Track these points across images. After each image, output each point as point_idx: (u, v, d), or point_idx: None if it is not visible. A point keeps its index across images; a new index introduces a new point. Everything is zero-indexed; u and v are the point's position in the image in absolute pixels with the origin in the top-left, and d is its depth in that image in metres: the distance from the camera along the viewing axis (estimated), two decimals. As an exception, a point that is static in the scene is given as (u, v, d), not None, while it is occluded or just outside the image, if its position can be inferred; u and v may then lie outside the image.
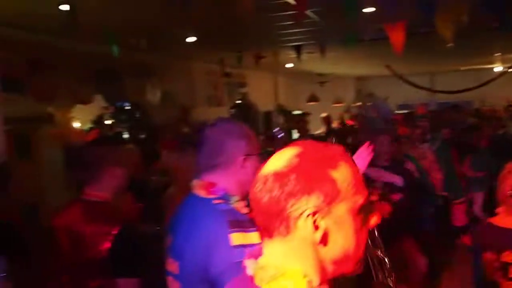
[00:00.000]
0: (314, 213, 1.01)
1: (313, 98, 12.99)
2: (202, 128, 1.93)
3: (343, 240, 1.04)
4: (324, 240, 1.02)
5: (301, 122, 9.64)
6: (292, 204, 1.00)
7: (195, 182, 1.84)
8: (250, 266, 1.08)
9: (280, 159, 1.05)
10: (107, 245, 2.19)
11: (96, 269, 2.24)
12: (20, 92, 5.60)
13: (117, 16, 5.19)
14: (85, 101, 6.91)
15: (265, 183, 1.03)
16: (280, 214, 1.01)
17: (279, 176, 1.02)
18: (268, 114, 11.99)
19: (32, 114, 6.25)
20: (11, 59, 5.08)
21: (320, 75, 12.85)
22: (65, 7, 4.39)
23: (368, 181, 1.87)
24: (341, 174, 1.03)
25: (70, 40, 5.91)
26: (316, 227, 1.01)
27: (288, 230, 1.01)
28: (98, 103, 7.88)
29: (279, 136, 8.26)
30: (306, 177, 1.01)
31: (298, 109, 12.45)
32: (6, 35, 4.20)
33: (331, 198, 1.01)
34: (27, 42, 5.65)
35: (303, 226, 1.01)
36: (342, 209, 1.03)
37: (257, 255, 1.08)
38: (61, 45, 6.01)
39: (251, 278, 1.06)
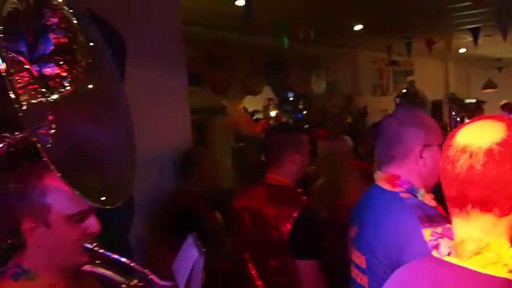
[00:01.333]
0: None
1: (489, 85, 11.94)
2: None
3: None
4: None
5: (475, 111, 8.94)
6: None
7: (378, 174, 1.82)
8: (444, 245, 1.05)
9: (492, 131, 1.01)
10: (288, 226, 2.28)
11: (277, 249, 2.35)
12: (199, 85, 6.10)
13: (287, 8, 5.34)
14: (255, 92, 7.27)
15: (491, 155, 0.98)
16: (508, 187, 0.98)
17: (508, 147, 0.98)
18: (437, 103, 11.32)
19: (208, 105, 6.79)
20: (193, 55, 5.54)
21: (498, 59, 11.75)
22: (240, 3, 4.64)
23: None
24: None
25: (243, 34, 6.25)
26: None
27: None
28: (264, 95, 8.25)
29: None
30: None
31: (472, 97, 11.56)
32: (189, 33, 4.59)
33: None
34: (205, 39, 6.12)
35: None
36: None
37: (449, 234, 1.06)
38: (235, 40, 6.39)
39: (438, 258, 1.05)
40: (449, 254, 1.05)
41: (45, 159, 1.13)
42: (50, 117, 1.41)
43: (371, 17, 6.22)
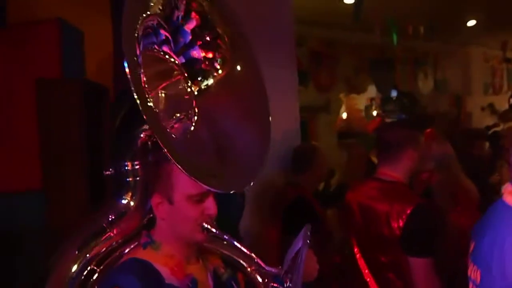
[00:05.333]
0: None
1: None
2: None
3: None
4: None
5: None
6: None
7: (505, 188, 1.73)
8: None
9: None
10: (400, 223, 2.25)
11: (388, 245, 2.33)
12: (302, 83, 6.17)
13: (396, 3, 5.23)
14: (359, 90, 7.20)
15: None
16: None
17: None
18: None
19: (311, 103, 6.83)
20: (297, 53, 5.62)
21: None
22: (349, 1, 4.63)
23: None
24: None
25: (348, 31, 6.21)
26: None
27: None
28: (368, 93, 8.10)
29: None
30: None
31: None
32: (297, 31, 4.66)
33: None
34: (310, 36, 6.17)
35: None
36: None
37: None
38: (339, 37, 6.37)
39: None
40: None
41: (165, 151, 1.25)
42: (194, 105, 1.53)
43: (486, 11, 5.90)
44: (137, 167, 1.54)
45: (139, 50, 1.33)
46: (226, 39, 1.55)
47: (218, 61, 1.55)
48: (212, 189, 1.40)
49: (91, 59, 2.27)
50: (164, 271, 1.41)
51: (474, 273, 1.73)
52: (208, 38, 1.53)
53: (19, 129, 2.15)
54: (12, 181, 2.15)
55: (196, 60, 1.53)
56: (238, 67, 1.57)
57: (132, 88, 1.22)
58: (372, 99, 9.43)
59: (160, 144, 1.25)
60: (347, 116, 6.92)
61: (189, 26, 1.54)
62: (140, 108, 1.22)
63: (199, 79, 1.53)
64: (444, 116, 8.03)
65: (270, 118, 1.64)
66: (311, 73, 6.38)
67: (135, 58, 1.31)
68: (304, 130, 7.01)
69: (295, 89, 3.70)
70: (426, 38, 6.45)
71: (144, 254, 1.44)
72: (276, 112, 3.31)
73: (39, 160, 2.10)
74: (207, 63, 1.54)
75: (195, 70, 1.54)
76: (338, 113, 7.91)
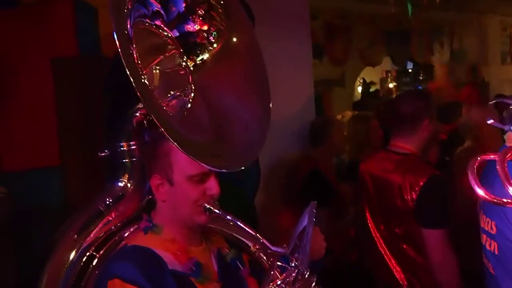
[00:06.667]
0: None
1: None
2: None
3: None
4: None
5: None
6: None
7: (508, 135, 1.71)
8: None
9: None
10: (413, 195, 2.24)
11: (401, 217, 2.33)
12: (316, 57, 6.11)
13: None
14: (374, 63, 7.12)
15: None
16: None
17: None
18: None
19: (325, 77, 6.78)
20: (314, 27, 5.55)
21: None
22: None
23: None
24: None
25: (362, 3, 6.11)
26: None
27: None
28: (383, 66, 8.00)
29: None
30: None
31: None
32: (311, 4, 4.59)
33: None
34: (323, 9, 6.07)
35: None
36: None
37: None
38: (353, 9, 6.27)
39: None
40: None
41: (162, 130, 1.19)
42: (191, 80, 1.47)
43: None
44: (134, 147, 1.48)
45: (130, 23, 1.26)
46: (220, 10, 1.47)
47: (213, 35, 1.47)
48: (213, 169, 1.34)
49: (105, 35, 2.27)
50: (167, 256, 1.37)
51: (487, 224, 1.70)
52: (201, 12, 1.46)
53: (36, 107, 2.17)
54: (30, 159, 2.18)
55: (191, 33, 1.46)
56: (234, 39, 1.49)
57: (125, 65, 1.14)
58: (387, 72, 9.32)
59: (157, 123, 1.19)
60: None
61: None
62: (134, 85, 1.14)
63: (194, 53, 1.46)
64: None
65: (270, 90, 1.54)
66: (326, 46, 6.31)
67: (126, 32, 1.24)
68: (319, 103, 7.00)
69: (309, 63, 3.67)
70: (442, 7, 6.31)
71: (145, 240, 1.40)
72: (290, 86, 3.35)
73: (57, 137, 2.13)
74: (202, 36, 1.47)
75: (190, 44, 1.47)
76: (353, 86, 7.88)
